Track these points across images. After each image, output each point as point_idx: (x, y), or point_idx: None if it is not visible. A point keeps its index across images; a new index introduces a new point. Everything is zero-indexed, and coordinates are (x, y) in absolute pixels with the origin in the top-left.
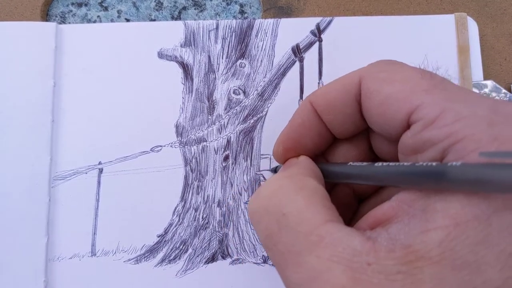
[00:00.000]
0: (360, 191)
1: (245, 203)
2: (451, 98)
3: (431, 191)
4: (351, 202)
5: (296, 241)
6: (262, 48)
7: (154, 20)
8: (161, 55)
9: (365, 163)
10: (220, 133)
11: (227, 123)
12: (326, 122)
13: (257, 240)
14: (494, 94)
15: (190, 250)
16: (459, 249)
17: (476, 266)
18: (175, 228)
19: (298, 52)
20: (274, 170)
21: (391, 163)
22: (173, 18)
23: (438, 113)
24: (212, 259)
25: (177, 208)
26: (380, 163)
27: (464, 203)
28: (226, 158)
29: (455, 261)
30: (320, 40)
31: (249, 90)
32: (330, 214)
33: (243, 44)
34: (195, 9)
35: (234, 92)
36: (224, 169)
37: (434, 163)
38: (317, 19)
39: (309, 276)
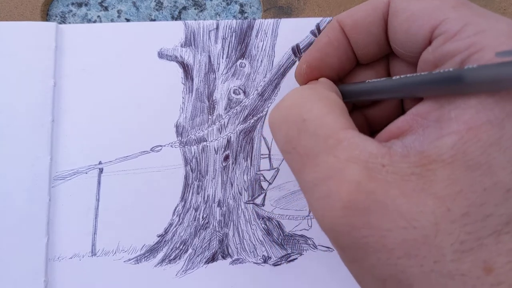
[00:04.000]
0: (375, 120)
1: (245, 202)
2: (474, 14)
3: (445, 102)
4: (363, 133)
5: (315, 144)
6: (262, 48)
7: (154, 20)
8: (161, 55)
9: (382, 78)
10: (220, 133)
11: (227, 123)
12: (352, 41)
13: (257, 240)
14: None
15: (190, 250)
16: (471, 151)
17: (487, 167)
18: (175, 228)
19: (298, 52)
20: None
21: (408, 75)
22: (173, 18)
23: (460, 26)
24: (212, 259)
25: (177, 208)
26: (397, 76)
27: (478, 109)
28: (226, 158)
29: (467, 163)
30: None
31: (249, 90)
32: (348, 123)
33: (243, 44)
34: (195, 9)
35: (234, 92)
36: (224, 169)
37: (451, 69)
38: (317, 19)
39: (325, 175)
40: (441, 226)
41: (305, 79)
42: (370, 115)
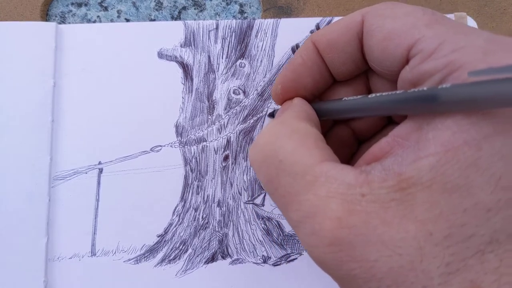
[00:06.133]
0: (360, 131)
1: (245, 203)
2: (450, 31)
3: (424, 123)
4: (350, 142)
5: (294, 183)
6: (262, 48)
7: (154, 20)
8: (161, 55)
9: (359, 96)
10: (220, 133)
11: (227, 123)
12: (327, 61)
13: (257, 240)
14: None
15: (190, 250)
16: (449, 173)
17: (466, 189)
18: (175, 228)
19: None
20: (272, 115)
21: (384, 93)
22: (173, 18)
23: (436, 45)
24: (212, 259)
25: (177, 208)
26: (373, 94)
27: (454, 130)
28: (226, 158)
29: (445, 185)
30: None
31: (249, 90)
32: (323, 154)
33: (243, 44)
34: (195, 9)
35: (234, 92)
36: (224, 169)
37: (425, 88)
38: (317, 19)
39: (307, 213)
40: (425, 250)
41: (280, 99)
42: (356, 126)
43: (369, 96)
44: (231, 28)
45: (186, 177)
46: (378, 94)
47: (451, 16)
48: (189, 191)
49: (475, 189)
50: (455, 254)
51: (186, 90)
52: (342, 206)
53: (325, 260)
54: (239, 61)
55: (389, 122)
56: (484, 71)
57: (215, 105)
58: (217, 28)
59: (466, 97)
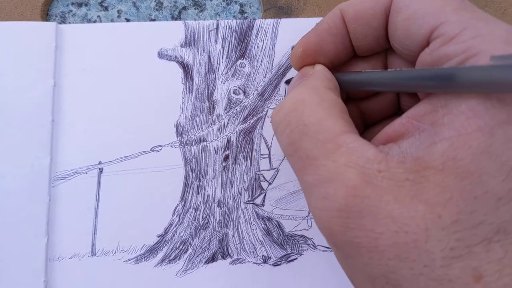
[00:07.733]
0: (369, 113)
1: (245, 203)
2: (474, 19)
3: (439, 105)
4: (358, 124)
5: (315, 147)
6: (262, 48)
7: (154, 20)
8: (161, 55)
9: (378, 70)
10: (220, 133)
11: (227, 123)
12: (351, 32)
13: (257, 240)
14: None
15: (190, 250)
16: (461, 158)
17: (478, 176)
18: (175, 228)
19: None
20: (288, 82)
21: (403, 69)
22: (173, 18)
23: (459, 30)
24: (212, 259)
25: (177, 208)
26: (393, 69)
27: (469, 115)
28: (226, 158)
29: (457, 170)
30: None
31: (249, 90)
32: (347, 126)
33: (243, 44)
34: (195, 9)
35: (234, 92)
36: (224, 169)
37: (444, 67)
38: (317, 19)
39: (324, 177)
40: (432, 232)
41: (299, 62)
42: (364, 107)
43: (389, 70)
44: (231, 28)
45: (186, 177)
46: (397, 69)
47: None
48: (189, 191)
49: (486, 177)
50: (461, 240)
51: (186, 90)
52: (359, 176)
53: (331, 224)
54: (239, 61)
55: (397, 112)
56: (506, 57)
57: (215, 105)
58: (217, 28)
59: (482, 78)
